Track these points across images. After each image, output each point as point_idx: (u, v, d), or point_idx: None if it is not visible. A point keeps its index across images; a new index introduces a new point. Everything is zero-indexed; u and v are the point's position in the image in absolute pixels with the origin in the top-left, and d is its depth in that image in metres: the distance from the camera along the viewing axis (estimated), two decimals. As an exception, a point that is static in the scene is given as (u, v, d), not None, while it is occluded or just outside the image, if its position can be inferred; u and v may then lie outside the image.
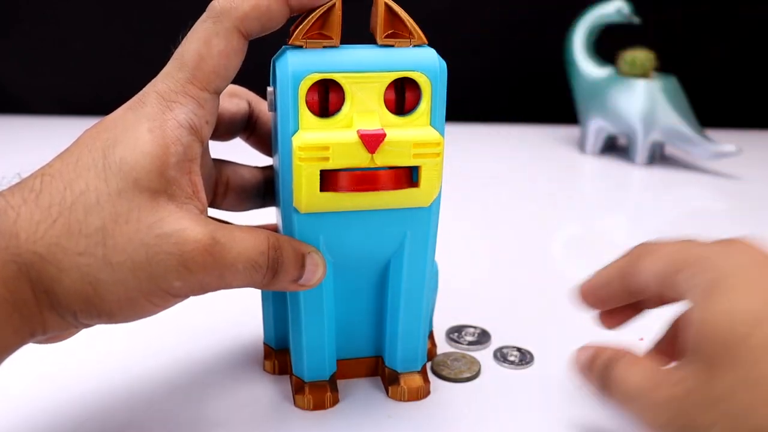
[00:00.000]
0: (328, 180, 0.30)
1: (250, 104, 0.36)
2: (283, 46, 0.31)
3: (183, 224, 0.27)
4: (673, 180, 0.76)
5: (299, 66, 0.29)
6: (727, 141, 0.76)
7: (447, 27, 0.94)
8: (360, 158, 0.29)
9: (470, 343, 0.41)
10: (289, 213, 0.31)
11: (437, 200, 0.33)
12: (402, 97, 0.31)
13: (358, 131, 0.29)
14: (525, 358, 0.41)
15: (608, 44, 0.82)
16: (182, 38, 0.29)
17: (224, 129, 0.35)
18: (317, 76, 0.29)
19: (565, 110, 0.89)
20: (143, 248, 0.26)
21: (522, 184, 0.75)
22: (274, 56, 0.31)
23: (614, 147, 0.85)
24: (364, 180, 0.30)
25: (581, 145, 0.84)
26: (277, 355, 0.38)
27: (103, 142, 0.27)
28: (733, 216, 0.67)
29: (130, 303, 0.27)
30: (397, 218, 0.32)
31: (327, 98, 0.30)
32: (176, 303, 0.29)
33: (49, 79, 0.92)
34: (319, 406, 0.35)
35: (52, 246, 0.26)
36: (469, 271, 0.52)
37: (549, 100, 0.96)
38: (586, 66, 0.81)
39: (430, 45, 0.32)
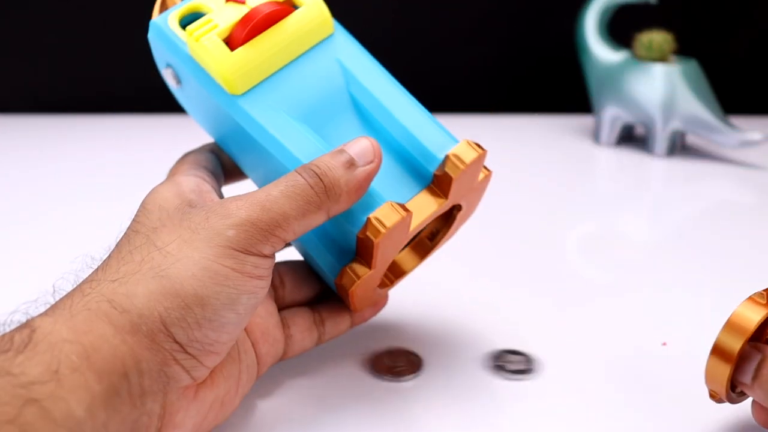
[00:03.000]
0: (230, 45, 0.35)
1: None
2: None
3: (209, 196, 0.35)
4: (695, 172, 0.76)
5: (159, 20, 0.37)
6: (753, 128, 0.77)
7: (448, 10, 0.94)
8: (237, 10, 0.36)
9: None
10: (240, 112, 0.36)
11: (338, 28, 0.38)
12: None
13: None
14: (530, 365, 0.41)
15: (623, 26, 0.82)
16: None
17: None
18: (178, 13, 0.36)
19: (578, 98, 0.89)
20: (187, 230, 0.31)
21: (532, 178, 0.75)
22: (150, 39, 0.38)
23: (631, 137, 0.85)
24: (252, 19, 0.35)
25: (595, 136, 0.84)
26: None
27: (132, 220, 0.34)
28: (762, 210, 0.67)
29: (208, 272, 0.30)
30: (320, 54, 0.37)
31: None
32: (252, 265, 0.31)
33: (21, 75, 0.92)
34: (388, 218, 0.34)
35: (114, 275, 0.30)
36: (474, 273, 0.52)
37: (560, 88, 0.96)
38: (599, 50, 0.81)
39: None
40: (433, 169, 0.36)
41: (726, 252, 0.57)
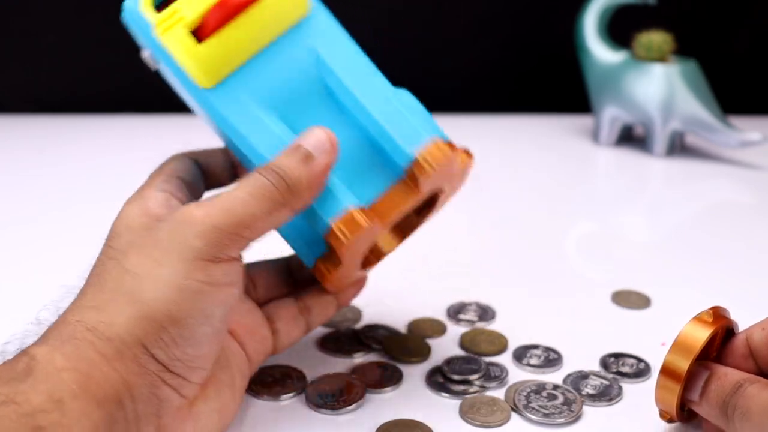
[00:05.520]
0: (201, 34, 0.34)
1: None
2: None
3: (177, 209, 0.33)
4: (694, 172, 0.76)
5: (130, 3, 0.35)
6: (752, 129, 0.77)
7: (446, 11, 0.94)
8: None
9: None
10: (208, 105, 0.35)
11: (319, 6, 0.37)
12: None
13: None
14: (551, 360, 0.41)
15: (622, 26, 0.82)
16: None
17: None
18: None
19: (577, 98, 0.89)
20: (155, 248, 0.31)
21: (532, 178, 0.75)
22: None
23: (630, 137, 0.85)
24: (226, 5, 0.34)
25: (595, 136, 0.84)
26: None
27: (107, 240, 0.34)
28: (760, 210, 0.67)
29: (181, 292, 0.30)
30: (294, 40, 0.36)
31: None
32: (222, 273, 0.31)
33: (21, 75, 0.92)
34: (355, 229, 0.34)
35: (87, 302, 0.31)
36: (472, 272, 0.52)
37: (559, 88, 0.96)
38: (598, 50, 0.82)
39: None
40: (404, 164, 0.36)
41: (725, 252, 0.58)
